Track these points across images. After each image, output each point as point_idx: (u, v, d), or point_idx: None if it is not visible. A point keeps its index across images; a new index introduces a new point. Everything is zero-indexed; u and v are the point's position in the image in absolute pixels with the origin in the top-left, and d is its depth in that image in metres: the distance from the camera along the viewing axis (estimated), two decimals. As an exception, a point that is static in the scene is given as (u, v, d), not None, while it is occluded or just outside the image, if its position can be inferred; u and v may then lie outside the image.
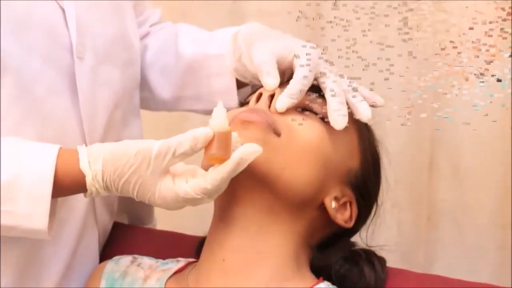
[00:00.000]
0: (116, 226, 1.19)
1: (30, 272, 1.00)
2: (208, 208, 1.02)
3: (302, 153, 0.94)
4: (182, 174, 0.88)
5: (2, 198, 0.88)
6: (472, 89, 0.93)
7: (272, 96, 0.98)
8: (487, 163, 1.38)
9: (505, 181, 1.36)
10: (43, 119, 0.97)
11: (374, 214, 1.06)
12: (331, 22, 0.93)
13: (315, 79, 0.98)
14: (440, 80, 0.92)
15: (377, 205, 1.05)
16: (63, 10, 0.99)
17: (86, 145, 0.92)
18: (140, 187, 0.87)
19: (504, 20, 0.88)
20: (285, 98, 0.96)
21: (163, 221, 1.32)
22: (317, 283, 0.97)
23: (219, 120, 0.87)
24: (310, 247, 1.00)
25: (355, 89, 1.00)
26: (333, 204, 0.98)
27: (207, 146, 0.87)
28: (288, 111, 0.96)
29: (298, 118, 0.96)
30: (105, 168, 0.88)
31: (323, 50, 1.00)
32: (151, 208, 1.27)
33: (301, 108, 0.98)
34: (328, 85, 0.97)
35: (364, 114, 0.98)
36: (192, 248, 1.10)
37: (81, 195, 0.92)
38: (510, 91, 0.90)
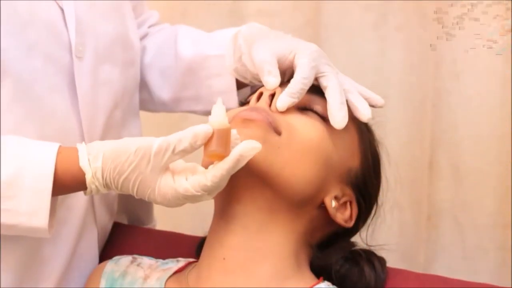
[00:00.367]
0: (116, 226, 1.19)
1: (29, 271, 1.00)
2: (208, 208, 1.02)
3: (302, 152, 0.94)
4: (182, 171, 0.88)
5: (2, 197, 0.88)
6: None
7: (272, 95, 0.98)
8: (487, 163, 1.38)
9: (505, 181, 1.36)
10: (43, 118, 0.97)
11: (374, 214, 1.06)
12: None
13: (316, 78, 0.98)
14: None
15: (377, 205, 1.06)
16: (62, 10, 0.99)
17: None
18: (140, 184, 0.87)
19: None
20: (286, 97, 0.96)
21: (163, 221, 1.32)
22: (317, 283, 0.97)
23: (219, 117, 0.87)
24: (310, 246, 1.00)
25: (355, 89, 1.00)
26: (333, 203, 0.98)
27: (207, 143, 0.86)
28: (289, 110, 0.96)
29: (298, 117, 0.96)
30: (105, 165, 0.88)
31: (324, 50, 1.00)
32: (150, 208, 1.27)
33: (302, 108, 0.98)
34: (328, 85, 0.97)
35: (364, 113, 0.98)
36: (192, 248, 1.10)
37: (81, 194, 0.91)
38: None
